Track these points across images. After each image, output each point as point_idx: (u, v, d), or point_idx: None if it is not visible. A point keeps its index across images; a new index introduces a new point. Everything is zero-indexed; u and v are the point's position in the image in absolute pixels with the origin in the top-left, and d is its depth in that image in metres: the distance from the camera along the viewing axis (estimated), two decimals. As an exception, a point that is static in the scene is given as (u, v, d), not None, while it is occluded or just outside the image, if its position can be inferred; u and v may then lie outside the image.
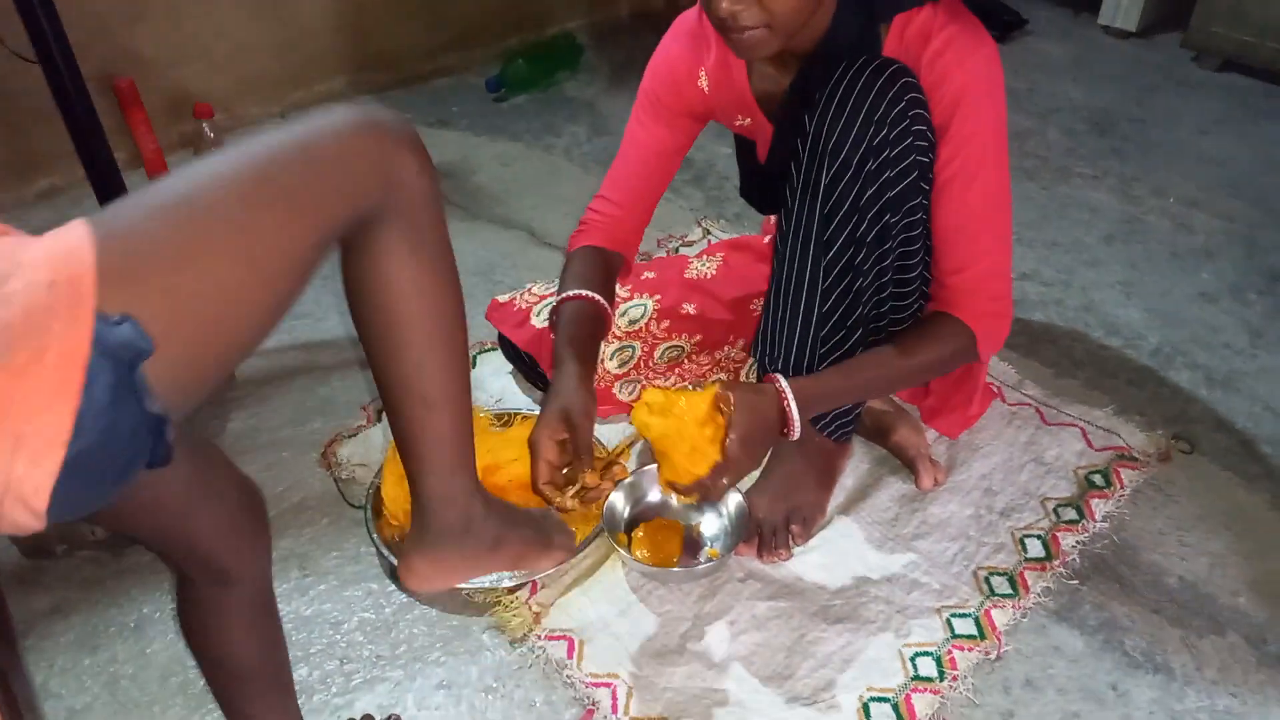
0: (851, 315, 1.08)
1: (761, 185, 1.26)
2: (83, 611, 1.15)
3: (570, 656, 1.08)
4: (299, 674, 1.07)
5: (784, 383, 1.04)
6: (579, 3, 2.75)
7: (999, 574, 1.17)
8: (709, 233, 1.87)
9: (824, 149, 1.00)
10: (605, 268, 1.24)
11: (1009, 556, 1.19)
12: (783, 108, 1.11)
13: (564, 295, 1.18)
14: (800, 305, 1.09)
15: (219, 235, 0.54)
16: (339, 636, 1.12)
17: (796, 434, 1.04)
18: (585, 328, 1.16)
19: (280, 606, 1.14)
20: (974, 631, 1.11)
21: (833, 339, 1.09)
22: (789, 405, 1.03)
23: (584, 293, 1.18)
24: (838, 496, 1.27)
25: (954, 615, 1.12)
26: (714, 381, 1.02)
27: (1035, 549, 1.20)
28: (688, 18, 1.19)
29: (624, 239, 1.27)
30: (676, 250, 1.81)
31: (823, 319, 1.08)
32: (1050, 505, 1.26)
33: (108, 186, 1.55)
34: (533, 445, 1.06)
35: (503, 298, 1.44)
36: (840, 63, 1.00)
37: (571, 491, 1.08)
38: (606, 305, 1.20)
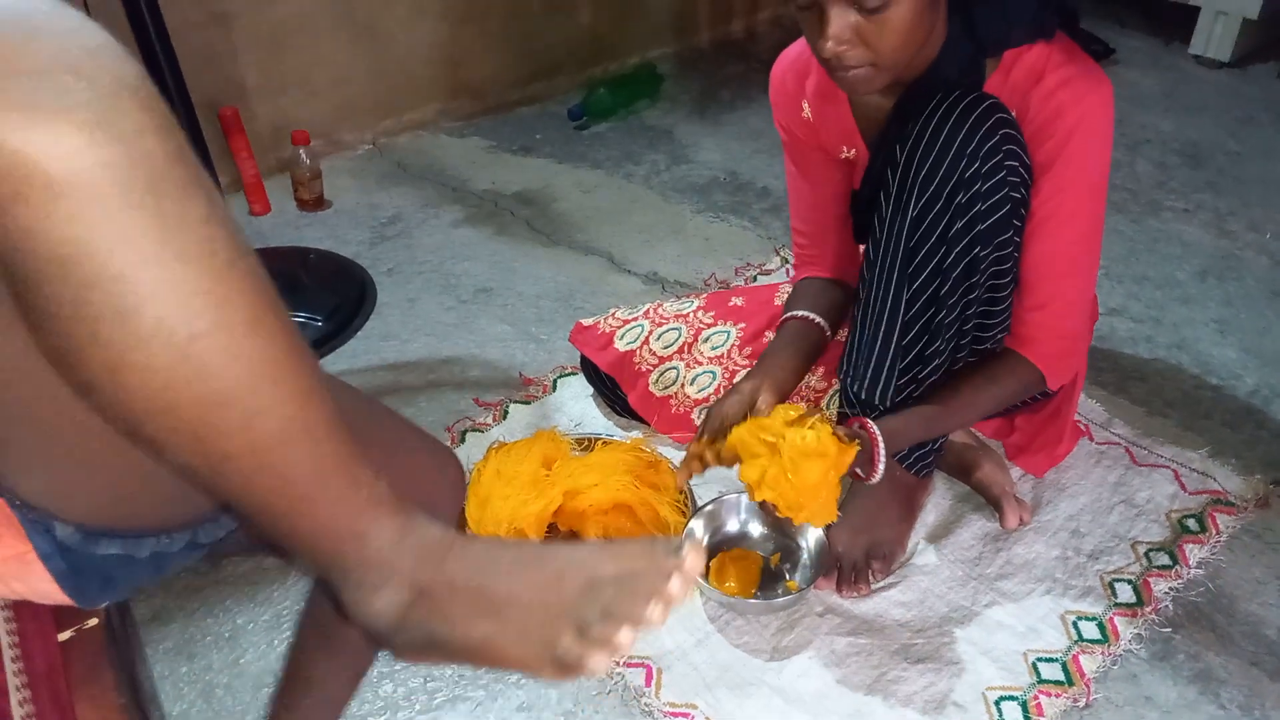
0: (931, 346, 1.08)
1: (853, 212, 1.26)
2: (180, 620, 1.20)
3: (648, 685, 1.09)
4: (385, 690, 1.10)
5: (875, 428, 1.06)
6: (660, 33, 2.79)
7: (1088, 619, 1.14)
8: (786, 261, 1.87)
9: (914, 180, 1.00)
10: (825, 291, 1.29)
11: (1098, 601, 1.16)
12: (880, 135, 1.11)
13: (788, 315, 1.26)
14: (880, 335, 1.09)
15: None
16: (423, 654, 1.15)
17: (877, 479, 1.06)
18: (791, 343, 1.23)
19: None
20: (1061, 677, 1.08)
21: (910, 371, 1.10)
22: (878, 451, 1.04)
23: (802, 312, 1.25)
24: (919, 532, 1.26)
25: (1040, 660, 1.10)
26: (824, 415, 1.04)
27: (1126, 594, 1.17)
28: (789, 51, 1.20)
29: (834, 264, 1.31)
30: (754, 279, 1.81)
31: (902, 350, 1.08)
32: (1141, 549, 1.23)
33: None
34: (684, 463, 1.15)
35: (586, 321, 1.46)
36: (939, 95, 1.00)
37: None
38: (824, 325, 1.26)
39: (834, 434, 1.02)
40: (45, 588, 0.51)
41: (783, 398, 1.17)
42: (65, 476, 0.49)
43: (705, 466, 1.13)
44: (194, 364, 0.40)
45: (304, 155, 2.00)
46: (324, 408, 0.46)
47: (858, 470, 1.07)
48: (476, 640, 0.49)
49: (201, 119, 1.58)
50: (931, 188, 1.00)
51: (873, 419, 1.08)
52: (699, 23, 2.88)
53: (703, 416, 1.17)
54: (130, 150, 0.38)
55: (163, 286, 0.39)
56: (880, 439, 1.06)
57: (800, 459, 1.01)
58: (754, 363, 1.38)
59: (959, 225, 1.01)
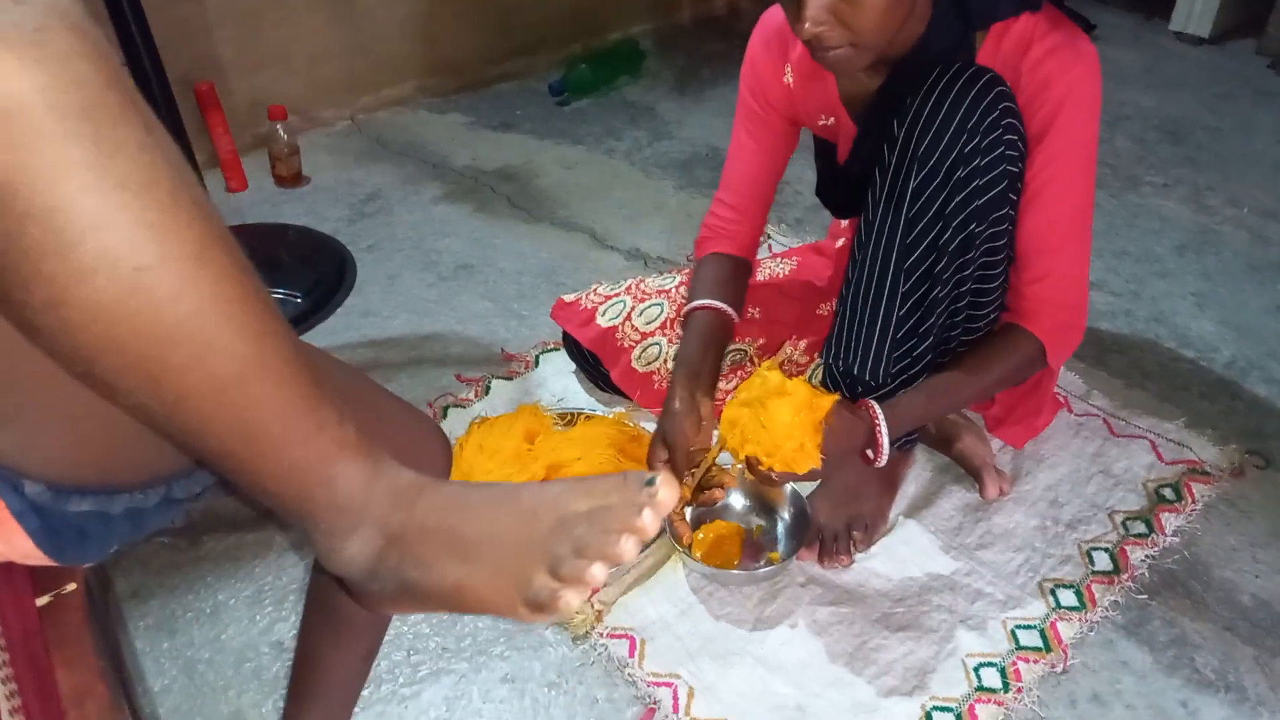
0: (925, 322, 1.08)
1: (839, 188, 1.26)
2: (160, 597, 1.20)
3: (632, 655, 1.10)
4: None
5: (879, 411, 1.07)
6: (641, 9, 2.77)
7: (1065, 586, 1.15)
8: (769, 237, 1.87)
9: (913, 154, 1.00)
10: (735, 275, 1.29)
11: (1075, 569, 1.17)
12: (869, 111, 1.11)
13: (695, 304, 1.24)
14: (876, 310, 1.08)
15: None
16: (406, 628, 1.15)
17: (883, 463, 1.08)
18: (709, 340, 1.22)
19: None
20: (1039, 644, 1.09)
21: (905, 344, 1.09)
22: (880, 434, 1.06)
23: (713, 303, 1.24)
24: (900, 504, 1.27)
25: (1019, 627, 1.11)
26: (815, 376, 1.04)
27: (1103, 562, 1.18)
28: (773, 14, 1.19)
29: (747, 244, 1.31)
30: (737, 255, 1.81)
31: (899, 323, 1.08)
32: (1118, 518, 1.24)
33: (189, 186, 1.61)
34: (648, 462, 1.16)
35: (568, 297, 1.46)
36: (932, 69, 0.99)
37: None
38: (734, 315, 1.25)
39: (808, 382, 1.03)
40: (24, 546, 0.51)
41: (712, 397, 1.19)
42: (30, 432, 0.48)
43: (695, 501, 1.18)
44: (140, 298, 0.39)
45: (281, 131, 1.97)
46: (283, 346, 0.44)
47: (866, 452, 1.08)
48: (450, 583, 0.48)
49: (177, 94, 1.55)
50: (930, 163, 0.99)
51: (872, 399, 1.08)
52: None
53: (661, 459, 1.16)
54: (62, 74, 0.36)
55: (104, 217, 0.37)
56: (882, 420, 1.06)
57: (768, 401, 1.02)
58: (736, 339, 1.38)
59: (957, 200, 1.00)
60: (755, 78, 1.22)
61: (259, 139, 2.08)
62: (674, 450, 1.14)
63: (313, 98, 2.22)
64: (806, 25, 0.94)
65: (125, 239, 0.38)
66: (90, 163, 0.37)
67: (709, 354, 1.21)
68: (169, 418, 0.42)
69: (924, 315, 1.07)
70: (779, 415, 1.02)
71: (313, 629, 0.86)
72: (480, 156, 2.18)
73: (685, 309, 1.26)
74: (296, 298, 1.67)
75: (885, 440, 1.06)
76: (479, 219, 1.95)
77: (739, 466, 1.12)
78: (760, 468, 1.06)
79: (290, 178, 2.03)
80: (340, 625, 0.82)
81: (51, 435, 0.48)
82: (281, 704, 1.06)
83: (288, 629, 1.14)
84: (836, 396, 1.05)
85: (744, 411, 1.05)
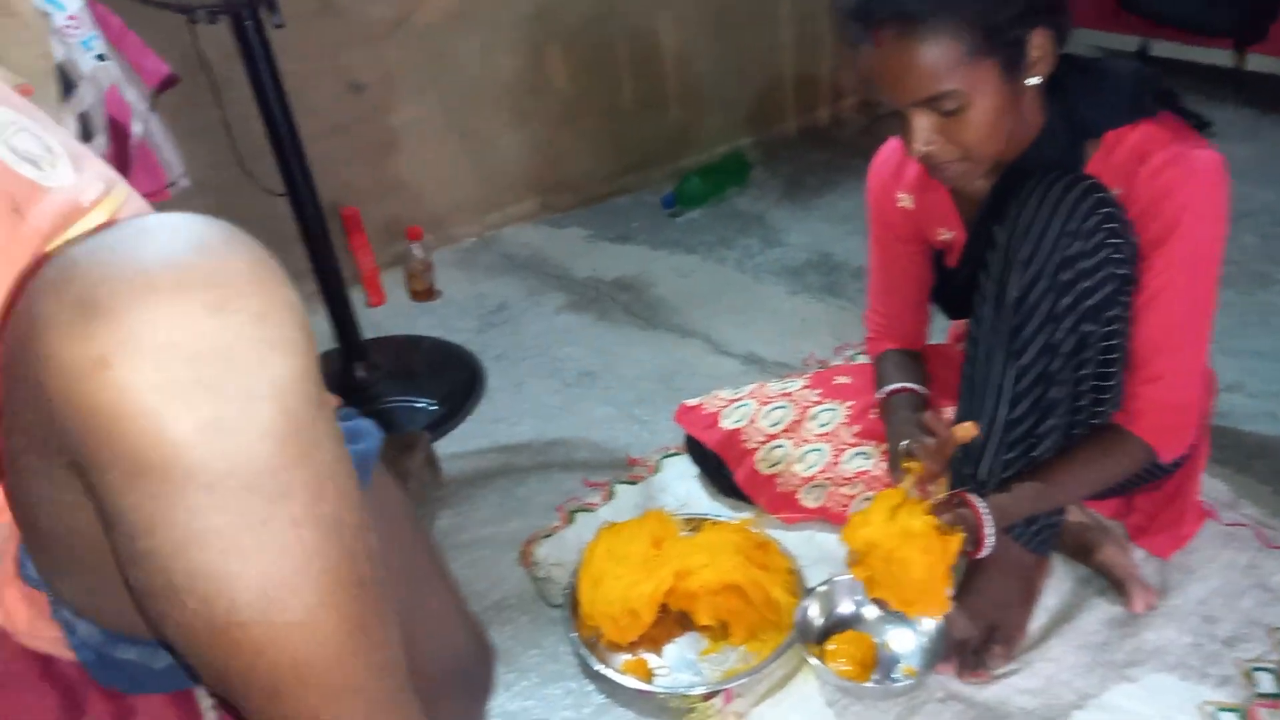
0: (1043, 424, 1.08)
1: (951, 291, 1.28)
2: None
3: (768, 769, 1.08)
4: (506, 768, 1.12)
5: (978, 502, 1.06)
6: (745, 122, 2.89)
7: (1228, 710, 1.09)
8: (885, 342, 1.88)
9: (1014, 259, 1.02)
10: (914, 361, 1.35)
11: (1238, 691, 1.11)
12: (979, 214, 1.14)
13: (890, 388, 1.30)
14: (983, 412, 1.10)
15: None
16: (543, 737, 1.16)
17: (986, 553, 1.08)
18: (910, 412, 1.26)
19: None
20: (1203, 771, 1.03)
21: (1020, 446, 1.10)
22: (984, 525, 1.06)
23: (909, 385, 1.30)
24: (1040, 617, 1.23)
25: (1178, 751, 1.05)
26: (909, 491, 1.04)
27: (1267, 684, 1.11)
28: (886, 148, 1.26)
29: (912, 338, 1.37)
30: (854, 358, 1.82)
31: (1009, 426, 1.09)
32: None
33: (337, 301, 1.74)
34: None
35: (691, 401, 1.50)
36: (1035, 176, 1.02)
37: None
38: (926, 393, 1.30)
39: (936, 525, 1.03)
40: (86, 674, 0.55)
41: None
42: (88, 582, 0.51)
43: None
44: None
45: (416, 249, 2.11)
46: None
47: (966, 548, 1.07)
48: None
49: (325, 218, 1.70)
50: (1032, 267, 1.02)
51: (978, 494, 1.08)
52: (785, 112, 2.97)
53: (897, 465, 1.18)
54: None
55: None
56: (984, 513, 1.06)
57: (903, 556, 1.02)
58: (862, 440, 1.39)
59: (1065, 302, 1.02)
60: (875, 205, 1.29)
61: (396, 257, 2.23)
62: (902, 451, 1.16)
63: (444, 217, 2.37)
64: (917, 145, 0.99)
65: None
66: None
67: (912, 422, 1.23)
68: None
69: (1042, 416, 1.07)
70: (913, 571, 1.03)
71: None
72: (599, 267, 2.28)
73: (878, 396, 1.31)
74: (432, 405, 1.76)
75: (988, 533, 1.07)
76: (600, 327, 2.03)
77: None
78: (890, 608, 1.07)
79: (424, 292, 2.16)
80: None
81: (105, 589, 0.50)
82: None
83: None
84: (961, 535, 1.05)
85: (875, 556, 1.05)
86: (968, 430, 1.08)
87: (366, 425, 0.60)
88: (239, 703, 0.43)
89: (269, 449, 0.39)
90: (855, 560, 1.09)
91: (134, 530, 0.39)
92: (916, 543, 1.03)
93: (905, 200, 1.23)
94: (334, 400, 0.59)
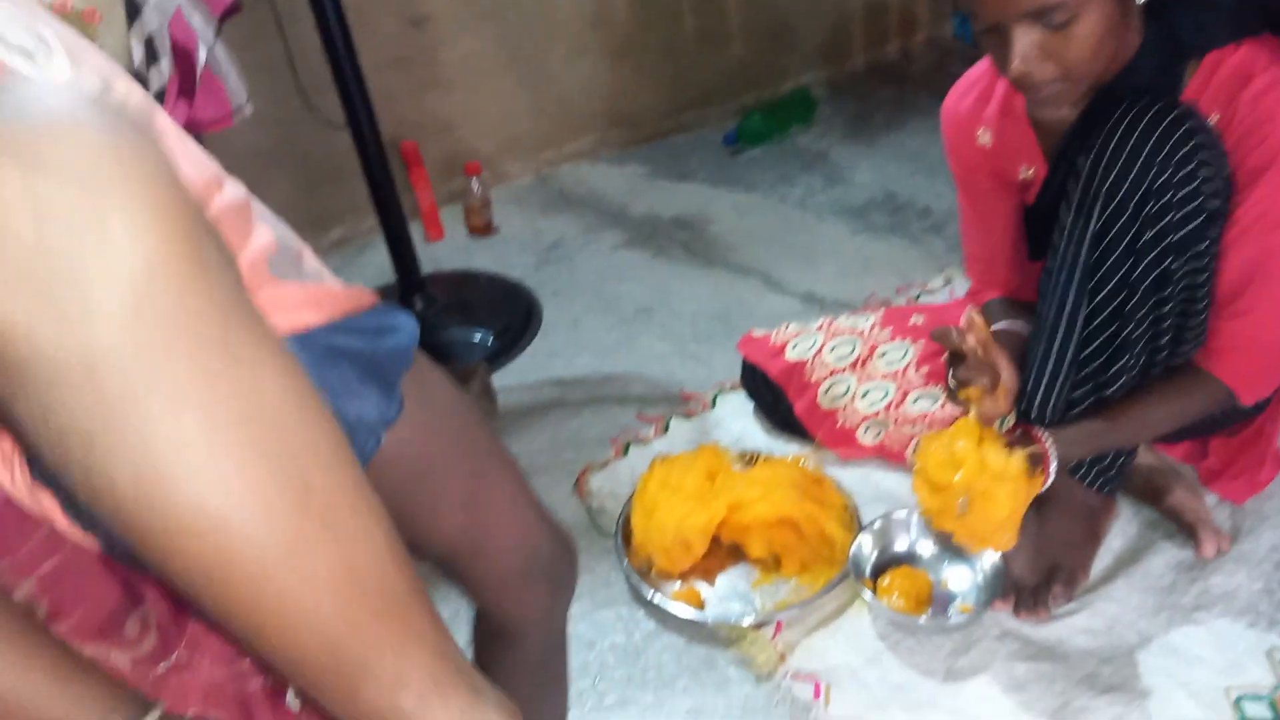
0: (1116, 363, 1.04)
1: (1029, 229, 1.23)
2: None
3: (817, 698, 1.08)
4: (557, 688, 1.13)
5: (1044, 435, 1.03)
6: (812, 58, 2.80)
7: (1300, 656, 1.05)
8: (950, 280, 1.83)
9: (1098, 189, 0.97)
10: (1020, 310, 1.26)
11: (1311, 638, 1.07)
12: (1062, 147, 1.08)
13: (997, 328, 1.23)
14: (1053, 350, 1.06)
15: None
16: (592, 656, 1.18)
17: (1046, 487, 1.04)
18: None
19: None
20: (1269, 716, 1.00)
21: (1089, 383, 1.06)
22: (1049, 463, 1.03)
23: (1007, 328, 1.22)
24: (1104, 559, 1.20)
25: (1244, 697, 1.02)
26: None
27: (1344, 632, 1.07)
28: (960, 85, 1.20)
29: (1020, 289, 1.28)
30: (918, 298, 1.78)
31: (1078, 365, 1.05)
32: (1361, 585, 1.12)
33: (397, 235, 1.75)
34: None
35: (758, 332, 1.48)
36: (1125, 102, 0.97)
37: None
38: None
39: (1025, 466, 1.01)
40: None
41: (1010, 410, 1.13)
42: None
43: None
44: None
45: (475, 185, 2.11)
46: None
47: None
48: None
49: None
50: (1118, 197, 0.96)
51: (1050, 431, 1.05)
52: (852, 47, 2.87)
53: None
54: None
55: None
56: (1050, 446, 1.03)
57: (990, 492, 0.99)
58: (931, 382, 1.35)
59: (1148, 236, 0.97)
60: (953, 147, 1.22)
61: (454, 193, 2.23)
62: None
63: (502, 154, 2.36)
64: (1016, 63, 0.93)
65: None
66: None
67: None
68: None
69: (1115, 355, 1.03)
70: (997, 509, 1.00)
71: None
72: (657, 205, 2.25)
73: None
74: (489, 339, 1.77)
75: (1053, 468, 1.03)
76: (657, 265, 2.01)
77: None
78: (953, 540, 1.05)
79: (482, 228, 2.16)
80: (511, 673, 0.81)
81: None
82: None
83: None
84: (1043, 479, 1.02)
85: (954, 488, 1.01)
86: (979, 327, 1.06)
87: (403, 319, 0.58)
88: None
89: (115, 333, 0.33)
90: (927, 489, 1.05)
91: (59, 443, 0.34)
92: (1005, 482, 0.99)
93: (984, 137, 1.17)
94: (370, 297, 0.59)
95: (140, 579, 0.52)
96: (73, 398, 0.33)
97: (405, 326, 0.59)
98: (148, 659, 0.49)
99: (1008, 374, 1.09)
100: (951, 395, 1.11)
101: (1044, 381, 1.07)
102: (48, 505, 0.50)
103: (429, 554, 0.69)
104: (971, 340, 1.06)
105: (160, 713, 0.42)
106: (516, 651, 0.77)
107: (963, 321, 1.07)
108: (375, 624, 0.41)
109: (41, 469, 0.48)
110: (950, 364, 1.10)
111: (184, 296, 0.35)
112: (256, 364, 0.37)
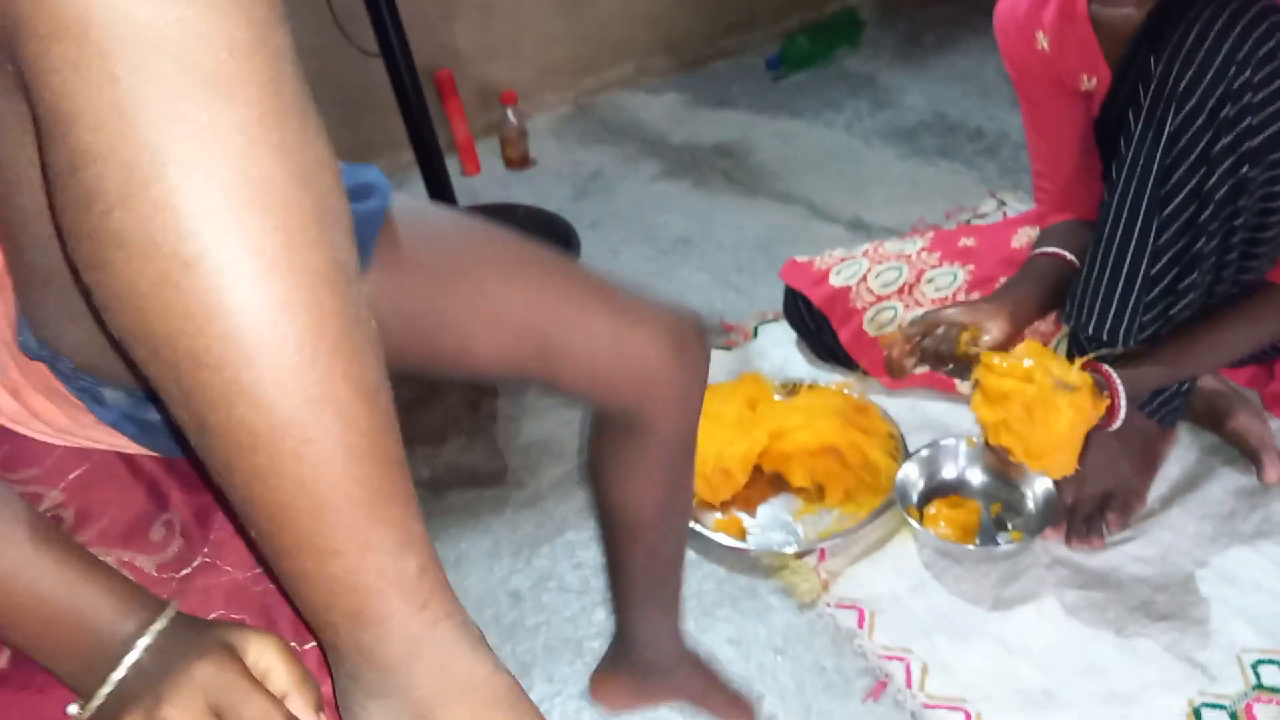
0: (1184, 279, 0.98)
1: (1099, 143, 1.17)
2: (411, 542, 1.29)
3: (860, 626, 1.07)
4: (598, 617, 1.14)
5: (1112, 372, 0.99)
6: (860, -23, 2.69)
7: (1368, 585, 1.01)
8: (1003, 204, 1.76)
9: (1171, 92, 0.91)
10: (1083, 233, 1.18)
11: (1380, 566, 1.03)
12: (1129, 49, 1.02)
13: (1037, 251, 1.20)
14: (1124, 267, 1.00)
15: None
16: (633, 584, 1.18)
17: (1117, 426, 1.00)
18: (1038, 281, 1.17)
19: (580, 554, 1.23)
20: (1334, 646, 0.97)
21: (1158, 306, 1.00)
22: (1119, 397, 0.98)
23: (1055, 250, 1.18)
24: (1160, 485, 1.16)
25: (1307, 626, 0.99)
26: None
27: None
28: None
29: (1084, 208, 1.21)
30: (968, 222, 1.72)
31: (1149, 283, 0.99)
32: None
33: (433, 168, 1.73)
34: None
35: (801, 259, 1.44)
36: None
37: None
38: (1077, 262, 1.16)
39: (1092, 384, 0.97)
40: (136, 447, 0.52)
41: (1016, 330, 1.11)
42: (72, 306, 0.43)
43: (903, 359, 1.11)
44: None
45: (511, 115, 2.07)
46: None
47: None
48: None
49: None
50: (1193, 100, 0.90)
51: (1108, 363, 1.00)
52: (902, -36, 2.75)
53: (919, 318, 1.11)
54: None
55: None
56: (1119, 384, 0.98)
57: (1055, 406, 0.95)
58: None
59: (1224, 142, 0.90)
60: (1010, 54, 1.16)
61: (490, 124, 2.19)
62: (923, 319, 1.12)
63: (539, 83, 2.32)
64: None
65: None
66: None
67: (1030, 288, 1.15)
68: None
69: (1184, 271, 0.97)
70: (1058, 424, 0.96)
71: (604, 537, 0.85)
72: (697, 133, 2.19)
73: (1028, 258, 1.21)
74: (527, 271, 1.75)
75: (1122, 404, 0.98)
76: (697, 194, 1.97)
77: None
78: (1010, 458, 1.01)
79: (519, 160, 2.13)
80: (619, 530, 0.81)
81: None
82: (518, 650, 1.12)
83: (524, 580, 1.20)
84: (1108, 401, 0.98)
85: (1017, 400, 0.98)
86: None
87: (374, 176, 0.55)
88: (170, 384, 0.34)
89: (218, 28, 0.31)
90: (988, 400, 1.01)
91: (55, 113, 0.31)
92: (1069, 397, 0.96)
93: (1043, 41, 1.11)
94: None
95: (167, 485, 0.52)
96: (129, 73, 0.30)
97: (379, 187, 0.56)
98: (172, 563, 0.49)
99: (969, 314, 1.09)
100: (961, 371, 1.08)
101: (1114, 302, 1.01)
102: (38, 408, 0.49)
103: (503, 377, 0.71)
104: (895, 352, 1.10)
105: (174, 612, 0.42)
106: (643, 442, 0.73)
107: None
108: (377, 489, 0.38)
109: (30, 334, 0.46)
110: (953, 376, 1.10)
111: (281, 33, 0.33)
112: (313, 118, 0.34)
